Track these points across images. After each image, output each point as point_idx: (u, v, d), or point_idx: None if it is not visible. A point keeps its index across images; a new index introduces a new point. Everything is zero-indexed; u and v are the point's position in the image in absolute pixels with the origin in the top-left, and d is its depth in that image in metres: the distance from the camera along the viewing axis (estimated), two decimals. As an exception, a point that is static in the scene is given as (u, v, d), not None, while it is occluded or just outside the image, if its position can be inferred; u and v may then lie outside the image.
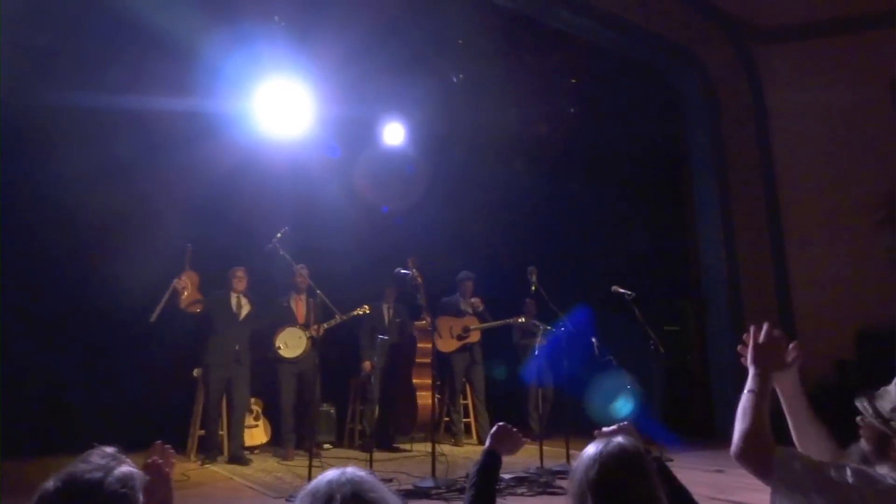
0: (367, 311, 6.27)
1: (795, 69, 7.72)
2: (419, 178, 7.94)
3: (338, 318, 5.99)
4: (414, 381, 6.50)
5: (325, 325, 5.89)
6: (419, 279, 5.34)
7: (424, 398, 6.36)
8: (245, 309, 5.96)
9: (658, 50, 7.87)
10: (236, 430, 5.74)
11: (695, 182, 8.08)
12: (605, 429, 1.77)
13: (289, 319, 6.06)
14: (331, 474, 1.17)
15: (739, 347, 1.72)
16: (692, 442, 6.85)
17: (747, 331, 1.71)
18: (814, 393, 1.78)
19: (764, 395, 1.60)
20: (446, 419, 6.98)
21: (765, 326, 1.70)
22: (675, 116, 8.37)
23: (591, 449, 1.40)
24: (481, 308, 6.95)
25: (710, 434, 7.33)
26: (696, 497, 4.07)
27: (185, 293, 5.77)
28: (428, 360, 6.35)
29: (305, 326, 5.95)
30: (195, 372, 6.01)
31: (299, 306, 6.13)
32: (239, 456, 5.60)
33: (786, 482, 1.43)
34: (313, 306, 5.49)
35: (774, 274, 7.38)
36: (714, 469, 5.16)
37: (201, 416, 5.89)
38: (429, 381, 6.28)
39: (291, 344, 5.77)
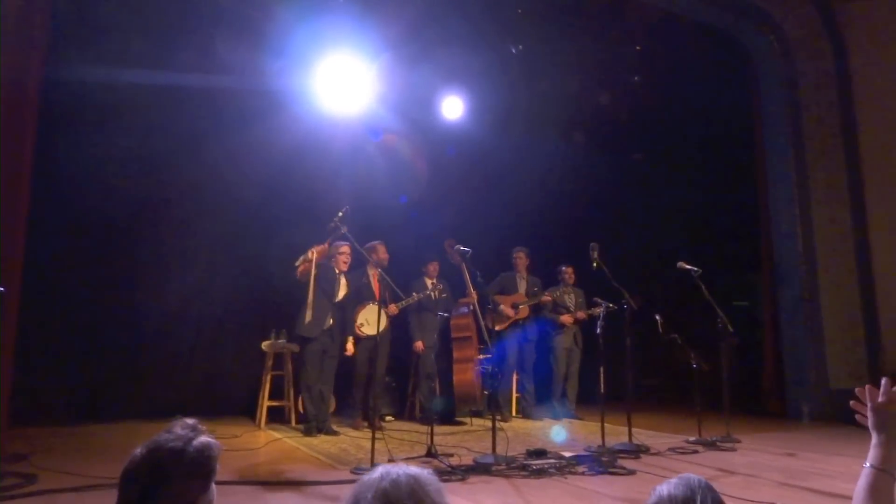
0: (442, 292, 6.45)
1: (883, 27, 7.15)
2: (475, 153, 7.87)
3: (415, 297, 6.26)
4: (455, 355, 6.54)
5: (402, 304, 6.18)
6: (457, 258, 5.43)
7: (461, 372, 6.40)
8: (343, 291, 5.99)
9: (728, 11, 7.44)
10: (326, 403, 5.88)
11: (768, 152, 7.65)
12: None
13: (369, 296, 6.17)
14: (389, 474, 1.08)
15: (852, 403, 1.44)
16: (762, 422, 6.65)
17: (859, 392, 1.44)
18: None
19: (890, 472, 1.32)
20: (486, 392, 6.95)
21: (883, 382, 1.40)
22: (747, 82, 7.93)
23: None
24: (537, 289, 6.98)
25: (782, 413, 7.10)
26: (766, 483, 3.97)
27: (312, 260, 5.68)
28: (465, 335, 6.42)
29: (383, 303, 6.03)
30: (263, 345, 6.23)
31: (375, 283, 6.18)
32: (329, 427, 5.73)
33: None
34: (386, 284, 5.57)
35: (855, 250, 6.96)
36: (785, 452, 4.99)
37: (296, 389, 6.16)
38: (467, 355, 6.38)
39: (372, 321, 5.76)
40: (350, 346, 6.06)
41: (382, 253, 6.13)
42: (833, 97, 7.26)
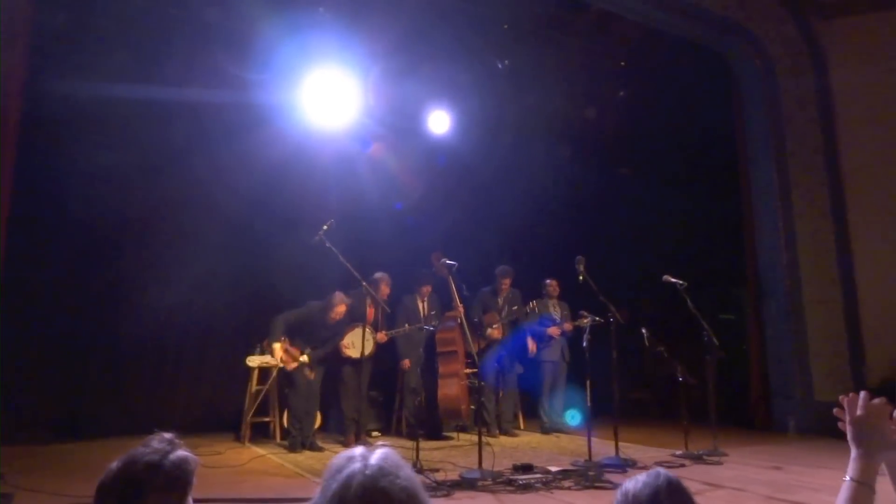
0: (432, 308, 6.49)
1: (862, 45, 7.29)
2: (461, 167, 7.89)
3: (407, 327, 6.28)
4: (440, 370, 6.50)
5: (392, 333, 6.23)
6: (444, 271, 5.39)
7: (447, 386, 6.37)
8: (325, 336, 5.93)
9: (711, 28, 7.55)
10: (311, 418, 5.85)
11: (752, 167, 7.75)
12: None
13: (360, 318, 5.95)
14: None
15: (836, 410, 1.45)
16: (748, 435, 6.67)
17: (842, 400, 1.43)
18: (879, 393, 1.58)
19: (869, 485, 1.32)
20: (472, 407, 6.89)
21: (861, 395, 1.40)
22: (731, 98, 8.04)
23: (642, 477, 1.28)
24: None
25: (768, 426, 7.12)
26: (753, 497, 3.96)
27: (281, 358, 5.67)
28: (451, 349, 6.40)
29: (374, 328, 5.96)
30: (249, 361, 6.15)
31: (370, 307, 6.09)
32: (314, 443, 5.73)
33: None
34: (381, 310, 5.47)
35: (838, 264, 7.03)
36: (771, 466, 5.00)
37: (281, 404, 6.08)
38: (452, 370, 6.36)
39: (358, 345, 5.60)
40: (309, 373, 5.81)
41: (385, 290, 6.12)
42: (815, 113, 7.37)
